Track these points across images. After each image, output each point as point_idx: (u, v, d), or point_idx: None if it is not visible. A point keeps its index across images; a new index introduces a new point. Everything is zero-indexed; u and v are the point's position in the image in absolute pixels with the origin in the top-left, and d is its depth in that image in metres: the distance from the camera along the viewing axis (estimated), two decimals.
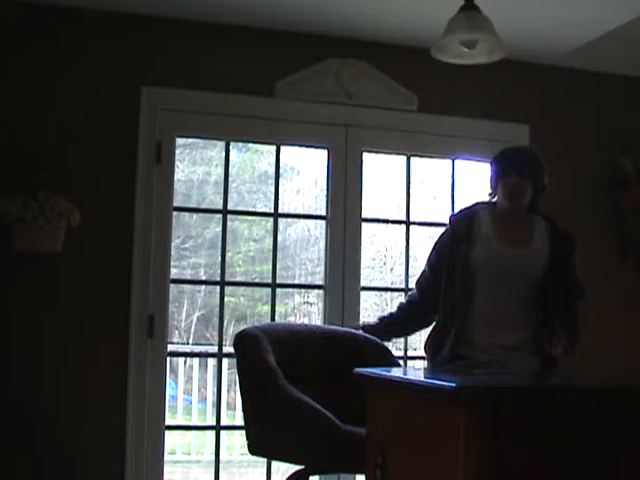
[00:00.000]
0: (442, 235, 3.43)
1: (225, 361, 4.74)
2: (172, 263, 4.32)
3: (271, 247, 4.47)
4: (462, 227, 3.31)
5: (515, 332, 3.21)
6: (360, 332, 3.63)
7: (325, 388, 3.55)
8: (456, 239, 3.29)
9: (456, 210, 3.52)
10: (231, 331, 6.45)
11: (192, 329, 8.14)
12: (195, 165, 6.56)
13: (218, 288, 4.45)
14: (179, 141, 4.48)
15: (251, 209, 5.19)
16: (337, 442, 3.17)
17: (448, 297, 3.27)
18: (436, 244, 3.44)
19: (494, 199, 3.38)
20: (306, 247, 6.55)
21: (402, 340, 4.77)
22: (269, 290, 4.48)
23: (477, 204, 3.43)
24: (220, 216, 4.46)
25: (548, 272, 3.22)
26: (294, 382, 3.35)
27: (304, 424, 3.24)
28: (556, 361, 3.26)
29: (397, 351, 4.66)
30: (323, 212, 4.57)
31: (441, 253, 3.35)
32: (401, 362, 4.36)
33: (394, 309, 3.61)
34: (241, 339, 3.52)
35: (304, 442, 3.27)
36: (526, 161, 3.33)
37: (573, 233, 3.40)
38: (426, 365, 3.43)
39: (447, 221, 3.48)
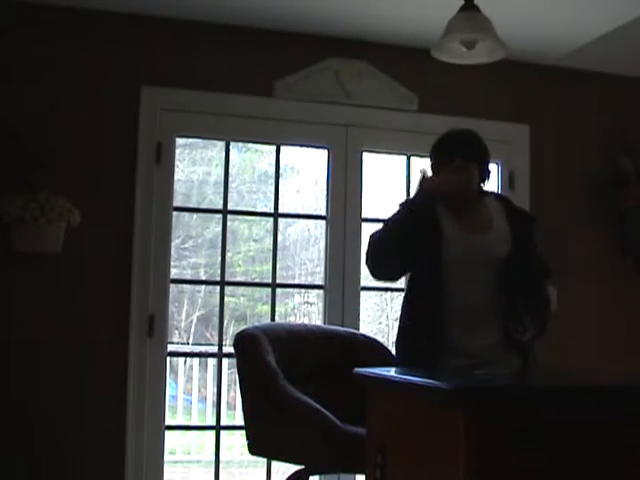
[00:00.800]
0: (396, 213, 3.13)
1: (225, 361, 4.74)
2: (172, 263, 4.32)
3: (271, 247, 4.47)
4: (426, 214, 3.04)
5: (492, 329, 3.02)
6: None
7: (325, 388, 3.56)
8: (420, 224, 3.01)
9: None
10: (231, 331, 6.44)
11: (192, 329, 8.13)
12: (195, 165, 6.56)
13: (218, 288, 4.45)
14: (179, 141, 4.48)
15: (251, 209, 5.20)
16: (336, 442, 3.17)
17: (416, 296, 3.07)
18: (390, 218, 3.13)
19: None
20: (306, 247, 6.56)
21: None
22: (269, 290, 4.48)
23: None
24: (220, 216, 4.46)
25: (511, 255, 3.03)
26: (294, 382, 3.35)
27: (303, 424, 3.25)
28: (529, 349, 3.06)
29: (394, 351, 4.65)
30: (323, 212, 4.57)
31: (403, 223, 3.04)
32: None
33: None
34: (241, 339, 3.52)
35: (304, 442, 3.27)
36: (468, 143, 3.13)
37: (530, 211, 3.21)
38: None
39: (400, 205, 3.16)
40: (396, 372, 2.75)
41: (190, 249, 7.19)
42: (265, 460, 4.25)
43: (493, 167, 4.83)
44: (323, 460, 3.29)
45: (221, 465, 4.41)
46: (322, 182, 4.60)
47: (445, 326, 3.00)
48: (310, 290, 5.77)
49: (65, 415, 3.97)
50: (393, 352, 3.93)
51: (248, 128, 4.42)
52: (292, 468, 3.42)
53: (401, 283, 4.81)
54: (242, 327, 3.80)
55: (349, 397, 3.25)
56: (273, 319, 4.46)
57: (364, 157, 4.60)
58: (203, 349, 8.34)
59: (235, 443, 7.06)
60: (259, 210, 5.06)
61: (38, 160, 3.93)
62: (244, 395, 3.50)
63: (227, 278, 4.49)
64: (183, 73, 4.27)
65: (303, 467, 3.36)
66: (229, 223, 4.51)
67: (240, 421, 4.17)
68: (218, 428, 4.43)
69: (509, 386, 2.36)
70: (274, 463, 4.27)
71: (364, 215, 4.57)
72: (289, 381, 3.33)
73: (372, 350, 3.79)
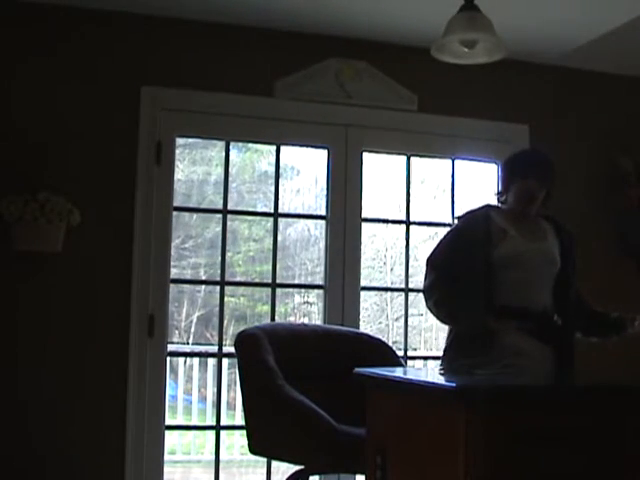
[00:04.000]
0: (449, 238, 3.36)
1: (225, 361, 4.74)
2: (172, 263, 4.32)
3: (271, 247, 4.47)
4: (478, 228, 3.26)
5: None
6: None
7: (327, 388, 3.56)
8: (473, 241, 3.23)
9: (460, 211, 3.48)
10: (231, 331, 6.44)
11: (192, 329, 8.13)
12: (195, 165, 6.56)
13: (218, 288, 4.45)
14: (179, 141, 4.48)
15: (251, 209, 5.19)
16: (332, 442, 3.17)
17: (467, 303, 3.18)
18: (442, 247, 3.34)
19: (501, 201, 3.39)
20: (306, 247, 6.55)
21: (402, 340, 4.78)
22: (269, 290, 4.48)
23: (485, 206, 3.41)
24: (220, 216, 4.46)
25: (563, 266, 3.30)
26: (295, 382, 3.35)
27: (299, 424, 3.25)
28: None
29: (397, 351, 4.66)
30: (323, 212, 4.57)
31: (456, 254, 3.26)
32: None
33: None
34: (241, 339, 3.53)
35: (300, 442, 3.27)
36: (545, 166, 3.33)
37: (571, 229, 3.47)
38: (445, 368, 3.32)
39: (453, 222, 3.47)
40: (396, 372, 2.75)
41: (190, 249, 7.18)
42: (265, 460, 4.26)
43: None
44: (319, 460, 3.29)
45: (221, 465, 4.41)
46: (322, 182, 4.60)
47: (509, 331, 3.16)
48: (310, 290, 5.77)
49: (65, 415, 3.97)
50: (397, 353, 3.95)
51: (248, 128, 4.42)
52: (292, 468, 3.42)
53: (401, 283, 4.81)
54: (242, 327, 3.81)
55: (350, 397, 3.25)
56: (273, 319, 4.46)
57: (364, 157, 4.60)
58: (203, 349, 8.33)
59: (235, 443, 7.05)
60: (259, 210, 5.05)
61: (38, 160, 3.94)
62: (244, 394, 3.50)
63: (227, 278, 4.49)
64: (183, 73, 4.27)
65: (303, 467, 3.37)
66: (229, 223, 4.51)
67: (240, 421, 4.19)
68: (218, 428, 4.43)
69: (509, 386, 2.36)
70: (274, 463, 4.27)
71: (364, 215, 4.57)
72: (290, 381, 3.33)
73: (376, 350, 3.78)
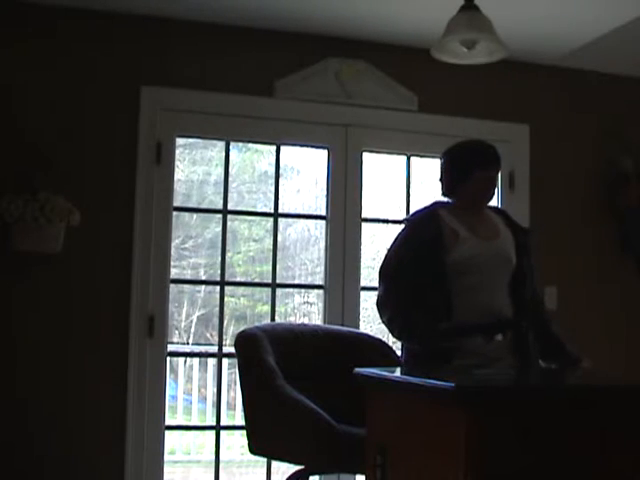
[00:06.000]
0: (398, 244, 3.15)
1: (225, 361, 4.73)
2: (172, 263, 4.32)
3: (271, 247, 4.47)
4: (427, 231, 3.07)
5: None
6: None
7: (326, 388, 3.55)
8: (423, 246, 3.03)
9: (411, 212, 3.30)
10: (231, 331, 6.44)
11: (192, 329, 8.13)
12: (195, 165, 6.55)
13: (218, 288, 4.45)
14: (179, 141, 4.48)
15: (251, 209, 5.18)
16: (332, 442, 3.17)
17: (421, 319, 3.01)
18: (392, 255, 3.14)
19: (447, 194, 3.22)
20: (306, 247, 6.54)
21: None
22: (269, 290, 4.48)
23: (434, 204, 3.23)
24: (220, 216, 4.46)
25: (519, 264, 3.12)
26: (295, 382, 3.35)
27: (299, 424, 3.25)
28: (531, 350, 3.13)
29: (397, 351, 4.65)
30: (323, 212, 4.57)
31: (406, 263, 3.06)
32: None
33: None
34: (241, 339, 3.52)
35: (300, 442, 3.27)
36: (498, 157, 3.17)
37: (530, 214, 3.48)
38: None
39: (403, 225, 3.24)
40: (396, 372, 2.75)
41: (190, 249, 7.18)
42: (265, 460, 4.26)
43: None
44: (319, 460, 3.29)
45: (221, 465, 4.41)
46: (322, 182, 4.60)
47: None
48: (310, 290, 5.75)
49: (65, 415, 3.97)
50: (397, 352, 3.94)
51: (248, 128, 4.42)
52: (292, 468, 3.42)
53: None
54: (242, 327, 3.80)
55: (350, 397, 3.25)
56: (273, 319, 4.46)
57: (364, 157, 4.60)
58: (203, 349, 8.33)
59: (235, 443, 7.05)
60: (259, 210, 5.04)
61: (38, 160, 3.94)
62: (244, 394, 3.50)
63: (227, 278, 4.49)
64: (183, 73, 4.27)
65: (303, 467, 3.37)
66: (229, 223, 4.51)
67: (240, 421, 4.18)
68: (218, 428, 4.43)
69: (509, 386, 2.36)
70: (274, 463, 4.27)
71: (364, 215, 4.57)
72: (290, 381, 3.33)
73: (376, 350, 3.78)
